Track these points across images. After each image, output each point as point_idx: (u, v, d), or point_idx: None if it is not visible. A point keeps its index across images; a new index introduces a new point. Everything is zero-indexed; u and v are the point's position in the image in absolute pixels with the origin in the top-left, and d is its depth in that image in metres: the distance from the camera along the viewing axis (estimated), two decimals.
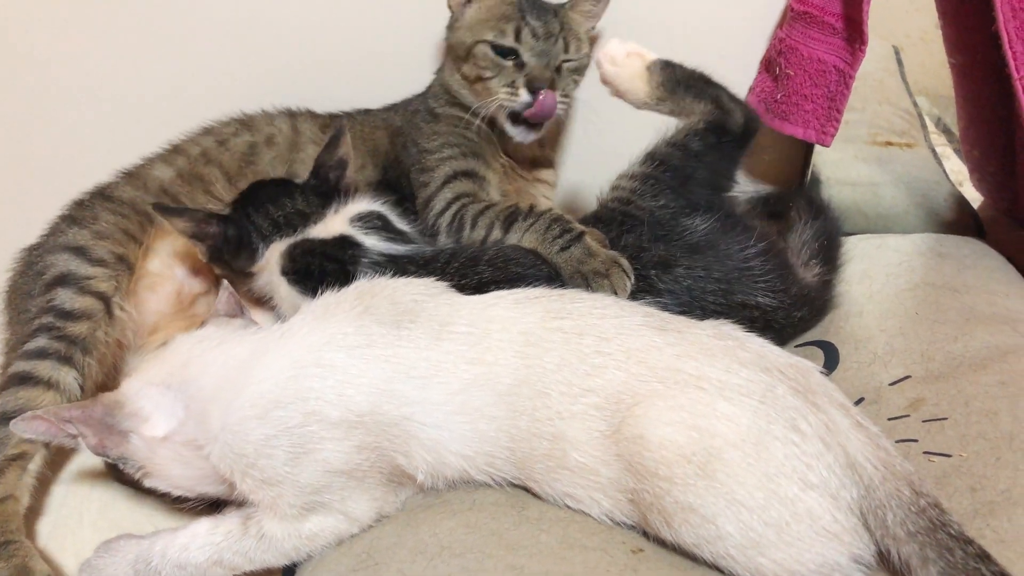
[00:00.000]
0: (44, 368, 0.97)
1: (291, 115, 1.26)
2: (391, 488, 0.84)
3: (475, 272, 0.98)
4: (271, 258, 1.04)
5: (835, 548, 0.71)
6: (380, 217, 1.07)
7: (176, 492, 0.86)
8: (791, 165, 1.40)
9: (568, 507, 0.82)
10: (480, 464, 0.82)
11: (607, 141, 1.37)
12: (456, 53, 1.19)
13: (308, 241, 1.03)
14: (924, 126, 1.45)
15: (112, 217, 1.12)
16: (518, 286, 0.95)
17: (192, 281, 1.17)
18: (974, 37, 1.19)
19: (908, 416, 0.91)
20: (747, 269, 1.01)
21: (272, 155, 1.21)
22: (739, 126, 1.08)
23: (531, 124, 1.17)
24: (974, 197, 1.40)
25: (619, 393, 0.78)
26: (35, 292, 1.05)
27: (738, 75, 1.32)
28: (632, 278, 0.97)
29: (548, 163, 1.31)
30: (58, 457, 1.03)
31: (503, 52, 1.14)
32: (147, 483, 0.85)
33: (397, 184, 1.20)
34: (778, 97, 1.25)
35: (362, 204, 1.08)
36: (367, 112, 1.28)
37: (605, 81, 1.12)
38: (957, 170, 1.56)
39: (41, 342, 0.99)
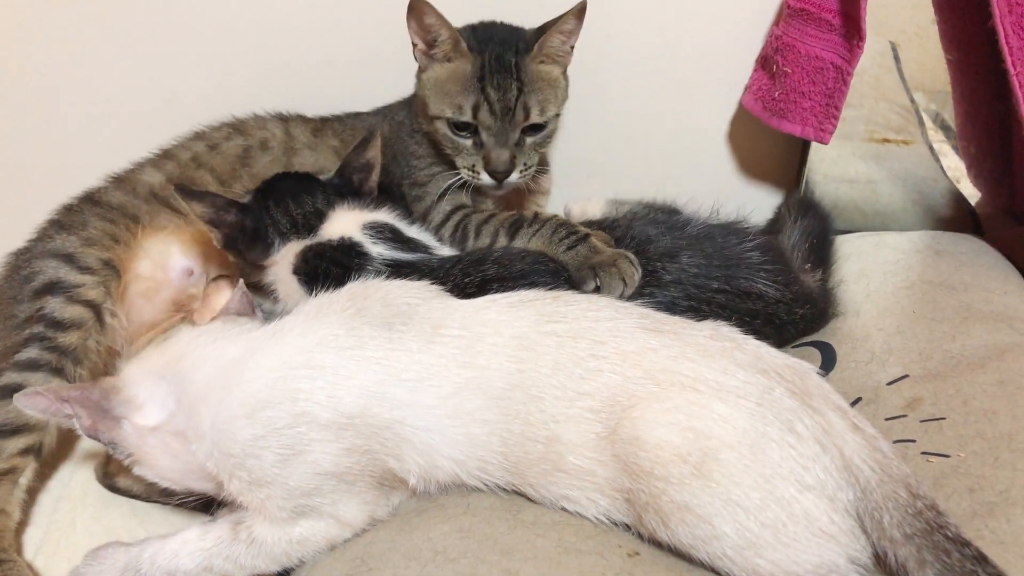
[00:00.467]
0: (36, 381, 0.97)
1: (283, 119, 1.25)
2: (382, 492, 0.84)
3: (479, 270, 0.98)
4: (286, 256, 1.04)
5: (832, 549, 0.71)
6: (392, 230, 1.07)
7: (163, 483, 0.85)
8: (788, 163, 1.39)
9: (564, 510, 0.81)
10: (472, 469, 0.81)
11: (603, 145, 1.38)
12: (422, 109, 1.14)
13: (320, 245, 1.03)
14: (921, 123, 1.44)
15: (100, 223, 1.11)
16: (521, 283, 0.95)
17: (187, 281, 1.16)
18: (970, 33, 1.18)
19: (906, 416, 0.91)
20: (746, 258, 1.02)
21: (268, 159, 1.20)
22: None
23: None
24: (971, 194, 1.39)
25: (615, 396, 0.77)
26: (22, 297, 1.05)
27: (734, 73, 1.31)
28: (640, 270, 0.97)
29: (542, 169, 1.30)
30: (46, 470, 1.03)
31: (461, 127, 1.10)
32: (136, 471, 0.85)
33: (388, 189, 1.19)
34: (775, 95, 1.24)
35: (377, 214, 1.08)
36: (356, 116, 1.27)
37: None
38: (954, 167, 1.56)
39: (32, 353, 0.99)
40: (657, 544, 0.77)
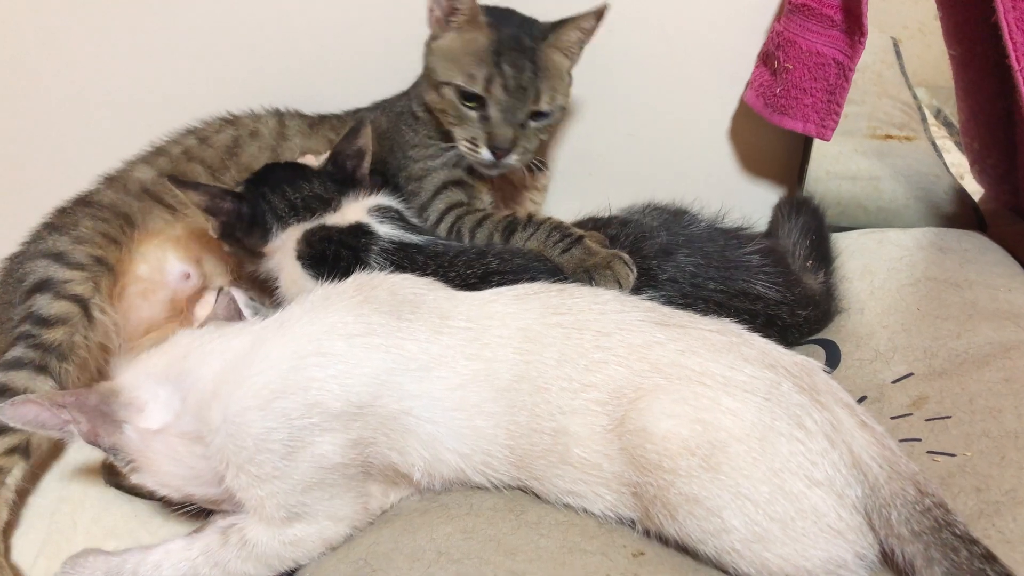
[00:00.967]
0: (20, 379, 0.96)
1: (279, 114, 1.25)
2: (382, 489, 0.84)
3: (482, 263, 0.99)
4: (286, 241, 1.03)
5: (840, 545, 0.71)
6: (397, 211, 1.07)
7: (163, 491, 0.84)
8: (790, 159, 1.39)
9: (569, 505, 0.81)
10: (477, 463, 0.81)
11: (604, 142, 1.37)
12: (428, 77, 1.15)
13: (325, 228, 1.03)
14: (924, 119, 1.43)
15: (91, 222, 1.11)
16: (522, 278, 0.95)
17: (184, 284, 1.16)
18: (973, 28, 1.18)
19: (911, 415, 0.90)
20: (746, 262, 1.01)
21: (256, 146, 1.19)
22: None
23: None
24: (975, 190, 1.39)
25: (620, 388, 0.77)
26: (16, 301, 1.04)
27: (735, 69, 1.31)
28: (634, 270, 0.97)
29: (540, 166, 1.29)
30: (38, 471, 1.02)
31: (469, 97, 1.09)
32: (134, 478, 0.83)
33: (385, 178, 1.19)
34: (777, 91, 1.23)
35: (380, 198, 1.08)
36: (355, 112, 1.27)
37: None
38: (958, 163, 1.55)
39: (18, 351, 0.99)
40: (663, 543, 0.77)
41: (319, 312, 0.83)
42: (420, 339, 0.81)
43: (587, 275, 0.97)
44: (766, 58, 1.27)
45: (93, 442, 0.80)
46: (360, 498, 0.82)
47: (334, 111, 1.28)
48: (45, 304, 1.02)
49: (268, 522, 0.79)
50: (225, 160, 1.18)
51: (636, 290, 0.97)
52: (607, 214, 1.14)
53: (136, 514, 0.98)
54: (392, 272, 0.95)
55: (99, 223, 1.11)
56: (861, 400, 0.95)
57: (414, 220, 1.09)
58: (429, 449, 0.80)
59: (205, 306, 1.17)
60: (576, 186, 1.39)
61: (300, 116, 1.25)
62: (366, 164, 1.11)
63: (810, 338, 1.07)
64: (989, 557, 0.67)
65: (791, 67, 1.21)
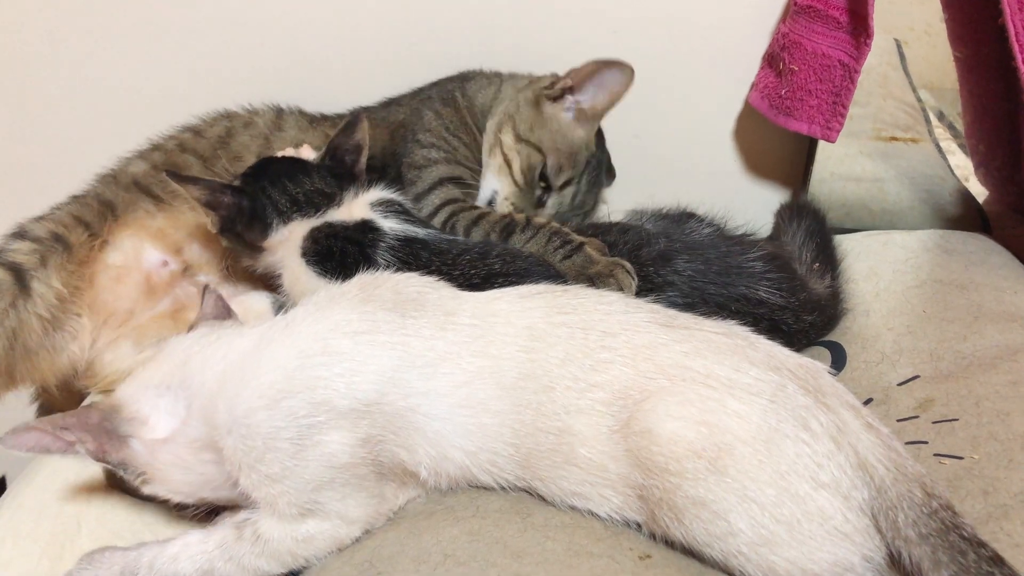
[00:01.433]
0: None
1: (278, 110, 1.24)
2: (391, 488, 0.83)
3: (485, 264, 0.98)
4: (290, 238, 1.03)
5: (847, 548, 0.70)
6: (399, 204, 1.07)
7: (176, 498, 0.84)
8: (794, 161, 1.39)
9: (575, 508, 0.80)
10: (483, 461, 0.80)
11: (608, 143, 1.37)
12: (514, 120, 1.16)
13: (331, 225, 1.02)
14: (928, 121, 1.43)
15: (71, 207, 1.10)
16: (524, 281, 0.95)
17: (163, 270, 1.15)
18: (979, 30, 1.17)
19: (918, 417, 0.90)
20: (749, 267, 1.01)
21: (248, 135, 1.19)
22: None
23: None
24: (979, 192, 1.38)
25: (626, 389, 0.77)
26: None
27: (740, 71, 1.31)
28: (636, 278, 0.97)
29: None
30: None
31: (542, 178, 1.14)
32: (146, 490, 0.83)
33: (383, 171, 1.19)
34: (782, 93, 1.23)
35: (381, 192, 1.07)
36: (365, 110, 1.27)
37: None
38: (962, 165, 1.55)
39: None
40: (669, 546, 0.77)
41: (324, 312, 0.82)
42: (425, 336, 0.81)
43: (589, 282, 0.97)
44: (771, 60, 1.27)
45: (101, 459, 0.80)
46: (372, 499, 0.81)
47: (339, 111, 1.27)
48: None
49: (281, 518, 0.78)
50: (217, 149, 1.17)
51: (636, 295, 0.96)
52: (607, 219, 1.15)
53: (141, 516, 0.98)
54: (397, 270, 0.95)
55: (78, 207, 1.11)
56: (867, 402, 0.95)
57: (415, 213, 1.09)
58: (435, 447, 0.80)
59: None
60: None
61: (301, 113, 1.25)
62: (363, 159, 1.10)
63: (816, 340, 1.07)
64: (997, 560, 0.67)
65: (796, 69, 1.21)
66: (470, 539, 0.77)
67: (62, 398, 1.13)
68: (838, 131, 1.22)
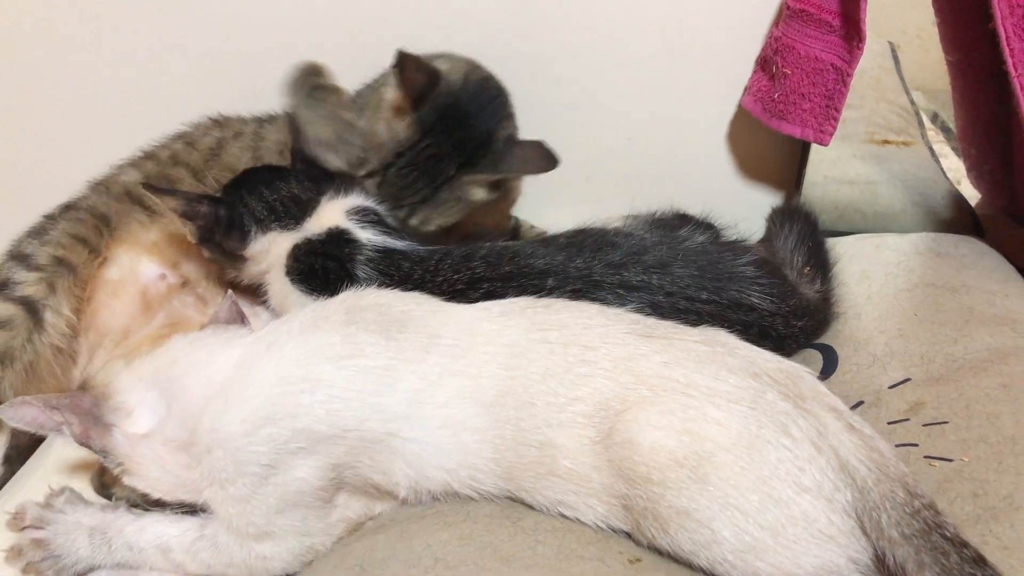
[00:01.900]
0: None
1: (260, 121, 1.24)
2: (364, 503, 0.85)
3: (468, 268, 0.98)
4: (271, 251, 1.03)
5: (832, 551, 0.71)
6: (375, 212, 1.07)
7: (155, 494, 0.85)
8: (788, 164, 1.39)
9: (563, 516, 0.81)
10: (463, 477, 0.81)
11: (601, 147, 1.37)
12: None
13: (309, 242, 1.03)
14: (921, 124, 1.44)
15: (67, 224, 1.10)
16: (510, 284, 0.95)
17: (160, 284, 1.15)
18: (971, 34, 1.18)
19: (908, 420, 0.90)
20: (740, 273, 1.01)
21: (238, 146, 1.19)
22: None
23: None
24: (971, 195, 1.39)
25: (607, 400, 0.77)
26: None
27: (734, 75, 1.31)
28: None
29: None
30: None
31: None
32: (126, 481, 0.84)
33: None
34: (775, 96, 1.24)
35: (357, 199, 1.07)
36: None
37: None
38: (955, 168, 1.55)
39: None
40: (658, 551, 0.77)
41: (306, 334, 0.83)
42: (410, 359, 0.81)
43: None
44: (764, 63, 1.28)
45: (85, 444, 0.81)
46: (334, 512, 0.83)
47: None
48: None
49: (239, 535, 0.80)
50: (208, 161, 1.18)
51: (623, 303, 0.95)
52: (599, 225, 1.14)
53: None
54: (379, 283, 0.96)
55: (73, 224, 1.11)
56: (858, 405, 0.95)
57: (390, 221, 1.09)
58: (414, 467, 0.80)
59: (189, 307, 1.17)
60: (572, 191, 1.39)
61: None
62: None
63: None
64: (979, 560, 0.66)
65: (789, 72, 1.21)
66: (460, 543, 0.77)
67: None
68: (831, 134, 1.23)
